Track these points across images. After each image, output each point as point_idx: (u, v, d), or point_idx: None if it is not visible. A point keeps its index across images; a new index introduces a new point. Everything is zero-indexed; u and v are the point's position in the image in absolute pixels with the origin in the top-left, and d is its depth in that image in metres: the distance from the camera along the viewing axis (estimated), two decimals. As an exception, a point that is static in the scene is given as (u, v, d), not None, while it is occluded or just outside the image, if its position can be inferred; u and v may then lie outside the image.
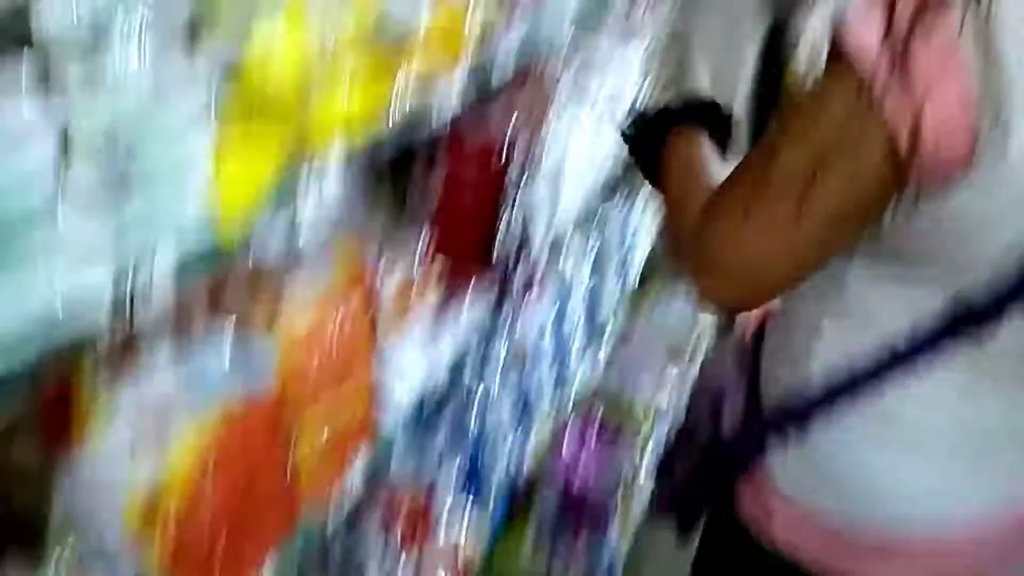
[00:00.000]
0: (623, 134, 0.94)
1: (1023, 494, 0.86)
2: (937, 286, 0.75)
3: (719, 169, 0.81)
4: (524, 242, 1.36)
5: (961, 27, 0.59)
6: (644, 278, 2.29)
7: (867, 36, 0.62)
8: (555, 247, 1.61)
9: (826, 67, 0.68)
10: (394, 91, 0.88)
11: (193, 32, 0.66)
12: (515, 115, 1.31)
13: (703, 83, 0.92)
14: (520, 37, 1.20)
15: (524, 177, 1.29)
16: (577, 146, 1.50)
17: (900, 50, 0.60)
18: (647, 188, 0.92)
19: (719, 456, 0.96)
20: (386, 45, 0.87)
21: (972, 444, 0.84)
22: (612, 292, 2.03)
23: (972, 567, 0.89)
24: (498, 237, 1.27)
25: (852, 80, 0.63)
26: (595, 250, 1.91)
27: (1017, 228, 0.68)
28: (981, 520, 0.86)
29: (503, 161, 1.26)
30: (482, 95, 1.19)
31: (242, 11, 0.68)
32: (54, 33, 0.54)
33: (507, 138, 1.26)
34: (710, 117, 0.88)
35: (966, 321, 0.74)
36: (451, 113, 1.07)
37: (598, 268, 1.93)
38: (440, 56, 0.97)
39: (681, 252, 0.79)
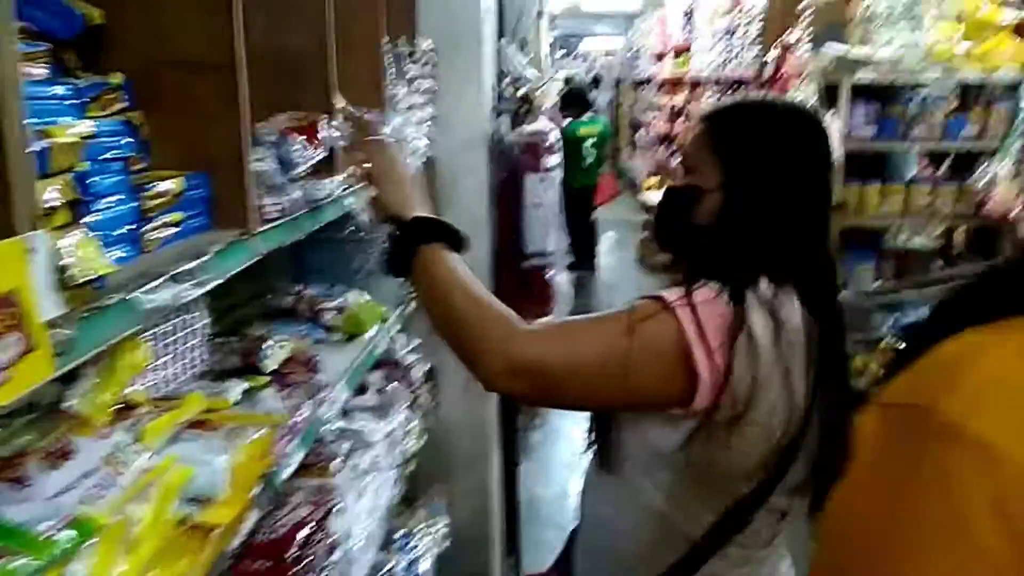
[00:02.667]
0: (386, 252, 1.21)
1: None
2: (722, 498, 1.12)
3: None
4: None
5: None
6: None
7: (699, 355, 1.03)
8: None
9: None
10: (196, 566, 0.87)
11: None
12: (300, 511, 1.33)
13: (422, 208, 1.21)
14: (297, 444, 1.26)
15: (319, 573, 1.29)
16: (361, 518, 1.54)
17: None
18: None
19: None
20: (188, 523, 0.88)
21: None
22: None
23: None
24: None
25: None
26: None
27: (758, 458, 1.09)
28: None
29: (297, 560, 1.25)
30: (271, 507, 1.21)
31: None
32: None
33: (297, 538, 1.27)
34: (443, 231, 1.17)
35: (739, 511, 1.12)
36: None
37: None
38: (234, 509, 0.99)
39: (485, 345, 1.07)
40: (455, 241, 1.18)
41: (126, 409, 1.00)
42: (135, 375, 1.05)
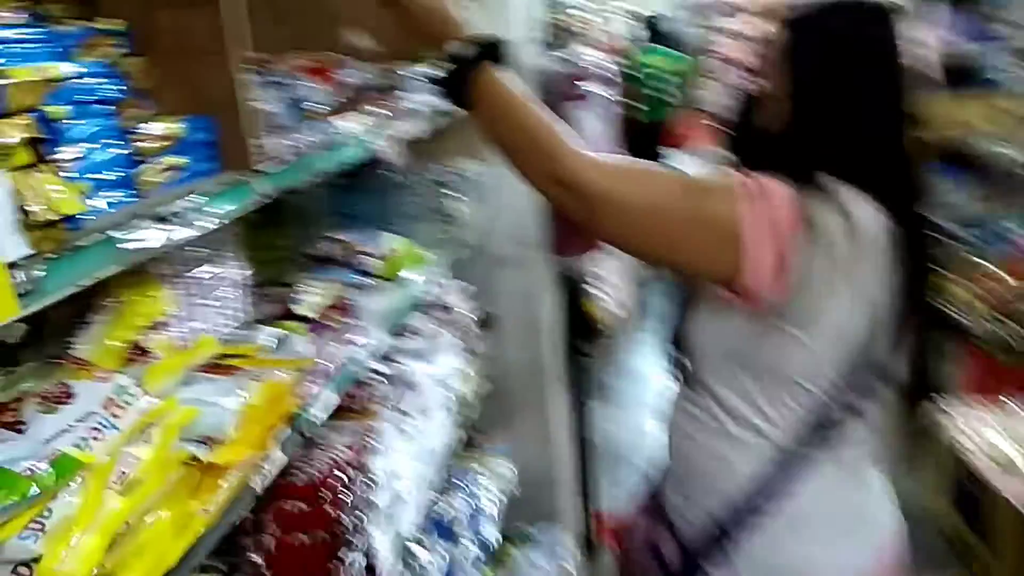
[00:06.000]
0: (439, 81, 1.15)
1: (881, 539, 1.23)
2: (802, 400, 1.11)
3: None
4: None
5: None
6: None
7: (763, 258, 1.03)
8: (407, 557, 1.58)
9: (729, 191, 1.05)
10: (209, 505, 0.87)
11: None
12: (338, 453, 1.34)
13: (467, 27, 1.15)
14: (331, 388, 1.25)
15: (360, 514, 1.29)
16: (408, 459, 1.53)
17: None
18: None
19: None
20: (195, 463, 0.88)
21: (852, 518, 1.18)
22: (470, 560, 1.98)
23: None
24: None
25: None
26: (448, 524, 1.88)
27: (833, 360, 1.09)
28: (871, 568, 1.20)
29: (334, 502, 1.26)
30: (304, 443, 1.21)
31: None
32: None
33: (335, 479, 1.27)
34: (494, 50, 1.13)
35: (823, 426, 1.11)
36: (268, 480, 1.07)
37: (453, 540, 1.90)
38: (251, 446, 0.98)
39: (545, 152, 1.07)
40: (502, 54, 1.14)
41: (141, 356, 1.01)
42: (150, 323, 1.06)
